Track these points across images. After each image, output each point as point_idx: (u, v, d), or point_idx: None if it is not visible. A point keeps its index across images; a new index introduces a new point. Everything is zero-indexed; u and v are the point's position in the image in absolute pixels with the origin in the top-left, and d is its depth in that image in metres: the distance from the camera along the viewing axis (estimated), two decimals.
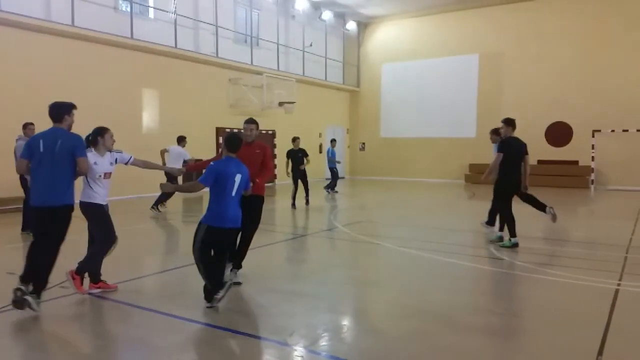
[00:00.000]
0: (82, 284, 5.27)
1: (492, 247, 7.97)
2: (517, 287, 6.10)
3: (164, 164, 11.93)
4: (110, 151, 5.46)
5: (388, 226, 11.11)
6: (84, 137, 5.42)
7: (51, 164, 4.80)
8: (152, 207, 11.52)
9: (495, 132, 9.19)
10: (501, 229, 8.46)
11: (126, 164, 5.66)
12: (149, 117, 15.94)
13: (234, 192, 5.00)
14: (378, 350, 4.04)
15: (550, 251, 8.26)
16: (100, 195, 5.33)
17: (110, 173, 5.43)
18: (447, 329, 4.58)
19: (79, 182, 5.30)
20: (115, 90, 14.81)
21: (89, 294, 5.37)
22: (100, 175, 5.30)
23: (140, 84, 15.71)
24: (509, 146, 8.02)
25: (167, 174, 10.49)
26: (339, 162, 17.63)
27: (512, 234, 7.93)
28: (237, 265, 6.05)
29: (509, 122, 8.26)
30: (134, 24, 15.13)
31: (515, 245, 7.86)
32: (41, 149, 4.80)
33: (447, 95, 22.79)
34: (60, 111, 4.96)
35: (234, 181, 4.98)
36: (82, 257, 5.39)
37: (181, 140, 12.52)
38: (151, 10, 16.46)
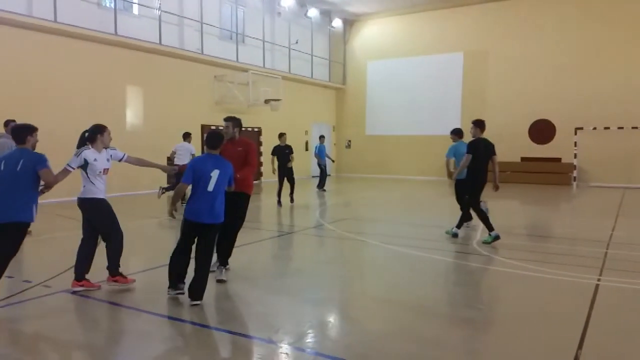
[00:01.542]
0: (124, 277, 5.57)
1: (475, 244, 8.07)
2: (498, 282, 6.18)
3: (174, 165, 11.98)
4: (106, 148, 5.51)
5: (373, 223, 11.17)
6: (80, 134, 5.49)
7: (12, 182, 4.88)
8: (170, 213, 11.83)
9: (455, 132, 9.65)
10: (459, 226, 8.66)
11: (119, 161, 5.68)
12: (133, 115, 15.80)
13: (210, 187, 5.05)
14: (363, 346, 4.07)
15: (532, 247, 8.37)
16: (101, 190, 5.41)
17: (108, 169, 5.50)
18: (430, 324, 4.64)
19: (77, 180, 5.31)
20: (99, 87, 14.65)
21: (72, 292, 5.33)
22: (100, 172, 5.37)
23: (125, 80, 15.56)
24: (477, 147, 8.19)
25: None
26: (333, 161, 17.48)
27: (490, 228, 8.06)
28: (223, 263, 6.05)
29: (477, 124, 8.44)
30: (118, 20, 14.97)
31: (497, 238, 7.94)
32: (1, 168, 4.93)
33: (432, 93, 22.92)
34: (23, 133, 5.10)
35: (210, 177, 5.05)
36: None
37: (187, 136, 12.59)
38: (135, 7, 16.30)
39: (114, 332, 4.52)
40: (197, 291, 5.00)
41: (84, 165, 5.28)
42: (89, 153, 5.31)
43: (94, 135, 5.39)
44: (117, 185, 13.00)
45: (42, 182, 5.05)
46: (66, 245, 7.83)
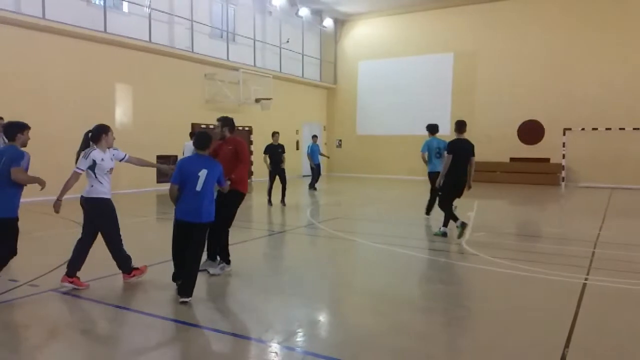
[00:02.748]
0: (138, 268, 5.72)
1: (464, 243, 8.11)
2: (486, 281, 6.21)
3: None
4: (108, 148, 5.56)
5: (364, 222, 11.20)
6: (84, 135, 5.53)
7: None
8: None
9: (427, 128, 10.47)
10: (445, 224, 8.76)
11: (120, 161, 5.74)
12: (122, 113, 15.68)
13: (198, 187, 5.11)
14: (353, 345, 4.08)
15: (520, 246, 8.44)
16: (107, 190, 5.47)
17: (112, 168, 5.55)
18: (419, 323, 4.66)
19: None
20: (88, 86, 14.53)
21: (62, 291, 5.29)
22: (107, 171, 5.43)
23: (114, 79, 15.44)
24: (455, 147, 8.44)
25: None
26: (328, 157, 17.57)
27: (455, 219, 8.39)
28: (224, 259, 6.18)
29: (456, 124, 8.76)
30: (108, 17, 14.85)
31: (464, 225, 8.26)
32: None
33: (423, 93, 23.00)
34: (14, 130, 5.24)
35: (198, 176, 5.10)
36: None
37: (193, 135, 12.56)
38: (125, 4, 16.18)
39: (101, 331, 4.49)
40: (185, 289, 5.04)
41: (92, 166, 5.32)
42: (96, 153, 5.36)
43: (98, 135, 5.44)
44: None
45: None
46: (53, 244, 7.77)
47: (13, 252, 5.21)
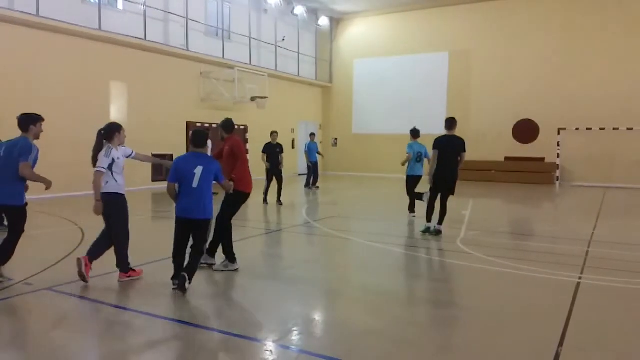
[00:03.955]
0: (135, 270, 5.72)
1: (458, 242, 8.13)
2: (480, 280, 6.23)
3: None
4: (119, 145, 5.67)
5: (359, 221, 11.21)
6: (97, 133, 5.65)
7: (5, 167, 5.27)
8: None
9: (411, 131, 10.73)
10: (440, 222, 8.78)
11: (128, 157, 5.80)
12: (117, 111, 15.61)
13: (195, 184, 5.19)
14: (348, 344, 4.08)
15: (514, 245, 8.47)
16: (122, 186, 5.57)
17: (123, 166, 5.67)
18: (413, 321, 4.68)
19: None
20: (83, 83, 14.46)
21: (59, 292, 5.27)
22: (122, 168, 5.55)
23: (109, 76, 15.37)
24: (439, 144, 8.56)
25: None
26: (322, 155, 17.81)
27: (429, 219, 8.68)
28: (227, 257, 6.22)
29: (445, 122, 8.85)
30: (102, 15, 14.79)
31: (429, 229, 8.62)
32: (1, 154, 5.33)
33: (418, 92, 23.03)
34: (27, 121, 5.41)
35: (194, 173, 5.18)
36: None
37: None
38: (120, 2, 16.11)
39: (94, 330, 4.47)
40: (185, 269, 5.17)
41: (111, 164, 5.41)
42: (114, 152, 5.46)
43: (111, 133, 5.53)
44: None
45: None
46: (48, 242, 7.74)
47: (21, 231, 5.48)
